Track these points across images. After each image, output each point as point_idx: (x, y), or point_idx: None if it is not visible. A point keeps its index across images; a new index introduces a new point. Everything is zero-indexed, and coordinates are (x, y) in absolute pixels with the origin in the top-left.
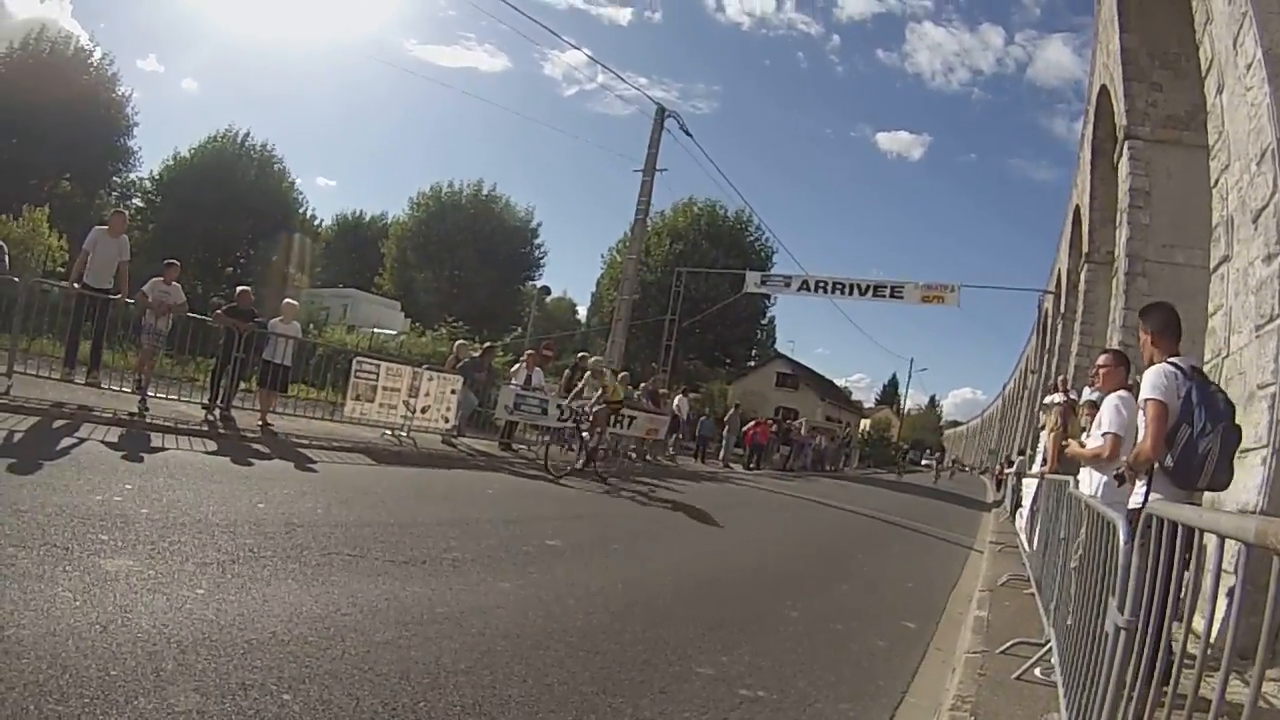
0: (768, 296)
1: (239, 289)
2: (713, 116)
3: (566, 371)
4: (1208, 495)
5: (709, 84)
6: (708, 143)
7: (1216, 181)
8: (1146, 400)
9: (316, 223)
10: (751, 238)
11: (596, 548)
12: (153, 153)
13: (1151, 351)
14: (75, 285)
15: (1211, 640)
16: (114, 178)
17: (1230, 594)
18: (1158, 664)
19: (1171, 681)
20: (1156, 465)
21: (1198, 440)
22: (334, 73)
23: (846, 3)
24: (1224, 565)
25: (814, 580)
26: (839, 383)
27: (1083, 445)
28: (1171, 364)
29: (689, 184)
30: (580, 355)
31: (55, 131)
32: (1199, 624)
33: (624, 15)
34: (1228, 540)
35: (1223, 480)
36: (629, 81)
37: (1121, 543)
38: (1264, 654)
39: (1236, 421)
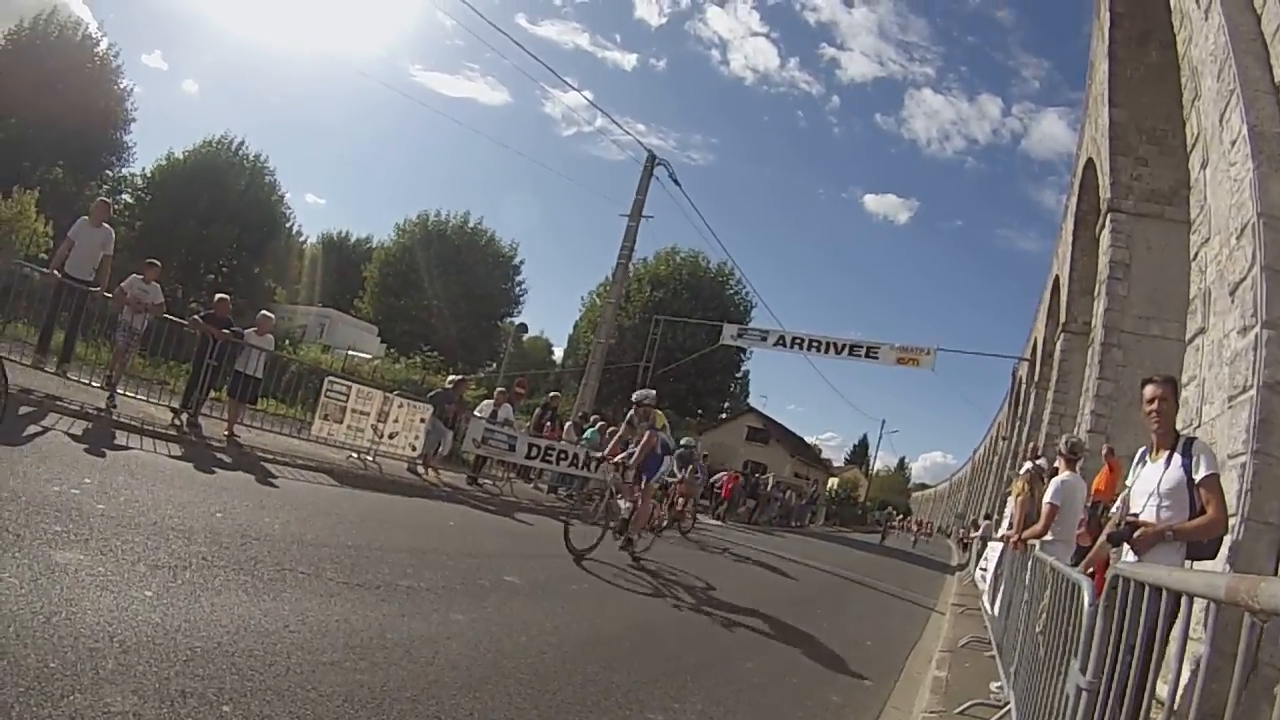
0: (743, 350)
1: (217, 297)
2: (707, 168)
3: (537, 410)
4: None
5: (706, 136)
6: (698, 194)
7: (1196, 255)
8: (1213, 474)
9: (302, 239)
10: (731, 291)
11: (554, 587)
12: (146, 150)
13: (1174, 418)
14: (56, 273)
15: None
16: (106, 170)
17: (1197, 657)
18: None
19: None
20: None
21: None
22: (335, 91)
23: (849, 65)
24: (1191, 626)
25: (772, 633)
26: (809, 440)
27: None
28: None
29: (674, 233)
30: (552, 395)
31: (53, 116)
32: (1163, 689)
33: (629, 60)
34: (1196, 601)
35: None
36: (625, 128)
37: (1086, 604)
38: (1233, 709)
39: None
